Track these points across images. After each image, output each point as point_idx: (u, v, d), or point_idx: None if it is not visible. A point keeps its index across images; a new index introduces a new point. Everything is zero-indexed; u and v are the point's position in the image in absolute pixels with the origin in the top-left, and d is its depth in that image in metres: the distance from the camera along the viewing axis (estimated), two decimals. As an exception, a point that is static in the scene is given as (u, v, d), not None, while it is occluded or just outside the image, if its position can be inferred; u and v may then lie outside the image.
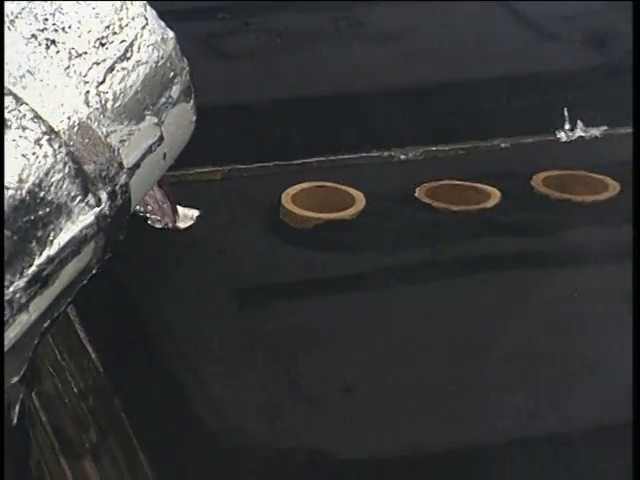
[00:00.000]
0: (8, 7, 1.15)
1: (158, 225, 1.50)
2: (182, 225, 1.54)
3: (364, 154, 1.73)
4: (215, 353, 1.37)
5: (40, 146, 1.09)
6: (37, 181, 1.09)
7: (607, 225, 1.56)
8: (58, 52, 1.14)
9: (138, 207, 1.40)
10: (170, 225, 1.52)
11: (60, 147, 1.10)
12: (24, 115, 1.09)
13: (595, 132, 1.77)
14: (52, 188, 1.10)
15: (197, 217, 1.54)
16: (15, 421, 1.26)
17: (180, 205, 1.54)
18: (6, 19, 1.14)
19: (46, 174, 1.09)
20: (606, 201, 1.59)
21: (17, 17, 1.14)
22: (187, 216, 1.54)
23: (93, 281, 1.32)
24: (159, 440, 1.38)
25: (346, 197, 1.56)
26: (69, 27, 1.14)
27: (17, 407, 1.24)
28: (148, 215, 1.48)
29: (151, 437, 1.40)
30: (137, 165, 1.19)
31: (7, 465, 1.61)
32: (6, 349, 1.13)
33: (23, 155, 1.08)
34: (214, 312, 1.42)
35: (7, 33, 1.13)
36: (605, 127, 1.78)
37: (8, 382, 1.19)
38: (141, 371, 1.43)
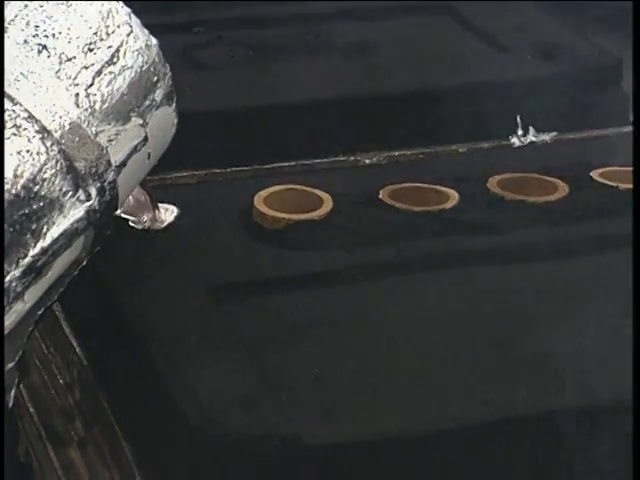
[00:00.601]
0: (6, 15, 1.16)
1: (139, 226, 1.49)
2: (161, 226, 1.53)
3: (331, 159, 1.73)
4: (193, 347, 1.36)
5: (34, 144, 1.10)
6: (31, 177, 1.10)
7: (557, 224, 1.55)
8: (49, 56, 1.15)
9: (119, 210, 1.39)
10: (150, 225, 1.51)
11: (52, 145, 1.11)
12: (18, 115, 1.10)
13: (545, 137, 1.77)
14: (45, 183, 1.11)
15: (175, 218, 1.53)
16: (11, 404, 1.26)
17: (159, 207, 1.53)
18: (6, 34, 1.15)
19: (39, 170, 1.10)
20: (556, 201, 1.58)
21: (10, 24, 1.15)
22: (165, 218, 1.53)
23: (78, 280, 1.32)
24: (141, 429, 1.37)
25: (315, 199, 1.56)
26: (59, 33, 1.15)
27: (13, 391, 1.24)
28: (129, 216, 1.47)
29: (133, 426, 1.39)
30: (124, 163, 1.20)
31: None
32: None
33: (18, 152, 1.10)
34: (192, 308, 1.42)
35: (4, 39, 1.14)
36: (555, 133, 1.78)
37: (5, 367, 1.19)
38: (123, 364, 1.42)
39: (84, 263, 1.23)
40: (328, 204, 1.54)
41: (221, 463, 1.25)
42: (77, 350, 1.51)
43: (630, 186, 1.59)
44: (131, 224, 1.50)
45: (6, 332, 1.13)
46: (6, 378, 1.20)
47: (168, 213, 1.54)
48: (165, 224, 1.53)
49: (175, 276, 1.46)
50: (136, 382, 1.39)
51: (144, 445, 1.37)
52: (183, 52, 1.82)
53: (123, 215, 1.47)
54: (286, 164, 1.70)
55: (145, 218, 1.51)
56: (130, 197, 1.43)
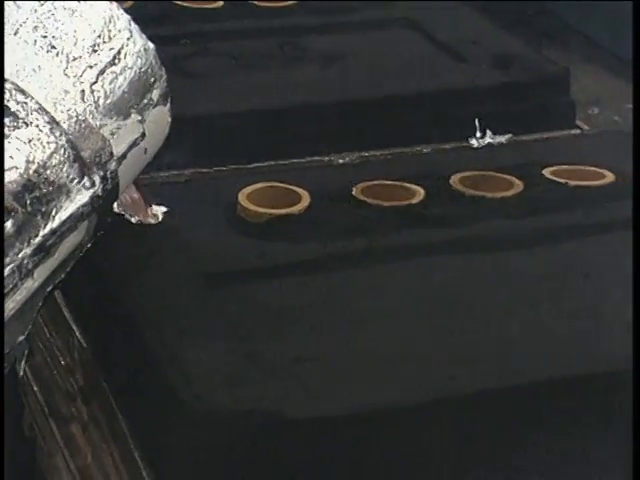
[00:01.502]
0: (13, 17, 1.16)
1: (133, 220, 1.48)
2: (153, 220, 1.52)
3: (308, 159, 1.72)
4: (184, 330, 1.35)
5: (44, 133, 1.10)
6: (42, 163, 1.10)
7: (513, 217, 1.55)
8: (57, 55, 1.15)
9: (116, 205, 1.38)
10: (143, 220, 1.50)
11: (60, 135, 1.12)
12: (31, 107, 1.10)
13: (501, 139, 1.77)
14: (54, 170, 1.11)
15: (165, 213, 1.52)
16: (21, 373, 1.27)
17: (151, 203, 1.52)
18: (11, 28, 1.15)
19: (49, 157, 1.11)
20: (512, 197, 1.58)
21: (21, 26, 1.15)
22: (157, 212, 1.52)
23: (78, 269, 1.31)
24: (136, 406, 1.36)
25: (294, 195, 1.55)
26: (66, 35, 1.15)
27: (23, 362, 1.25)
28: (125, 212, 1.46)
29: (129, 403, 1.38)
30: (124, 156, 1.20)
31: (2, 430, 1.60)
32: (14, 311, 1.13)
33: (30, 140, 1.10)
34: (182, 294, 1.41)
35: (13, 39, 1.14)
36: (509, 135, 1.77)
37: (15, 340, 1.19)
38: (120, 346, 1.41)
39: (86, 247, 1.23)
40: (306, 200, 1.54)
41: (209, 436, 1.25)
42: (77, 334, 1.50)
43: (578, 183, 1.60)
44: (126, 218, 1.49)
45: (17, 308, 1.13)
46: (17, 350, 1.20)
47: (159, 209, 1.53)
48: (157, 219, 1.52)
49: (166, 266, 1.46)
50: (131, 363, 1.38)
51: (140, 421, 1.36)
52: (172, 62, 1.81)
53: (119, 210, 1.46)
54: (267, 164, 1.69)
55: (139, 213, 1.50)
56: (125, 195, 1.42)
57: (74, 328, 1.51)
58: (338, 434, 1.25)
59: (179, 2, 1.99)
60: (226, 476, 1.24)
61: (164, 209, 1.53)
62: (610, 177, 1.61)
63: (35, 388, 1.59)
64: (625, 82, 2.27)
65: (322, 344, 1.34)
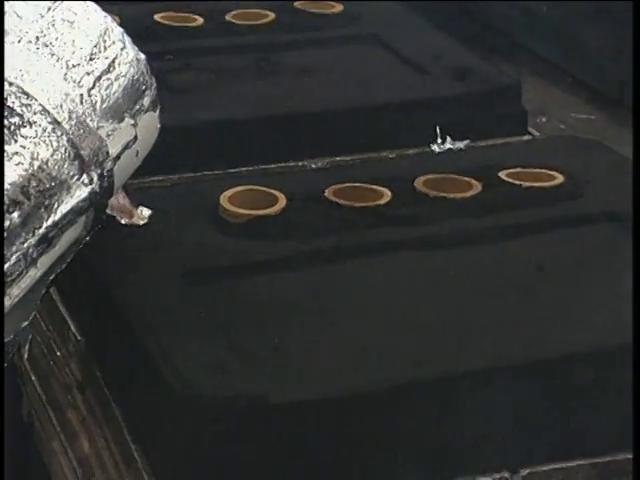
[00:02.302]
0: (17, 27, 1.16)
1: (123, 222, 1.47)
2: (141, 222, 1.50)
3: (284, 164, 1.71)
4: (172, 323, 1.34)
5: (47, 133, 1.10)
6: (45, 160, 1.10)
7: (473, 216, 1.54)
8: (58, 61, 1.15)
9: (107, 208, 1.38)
10: (132, 222, 1.49)
11: (62, 135, 1.12)
12: (34, 108, 1.10)
13: (460, 145, 1.76)
14: (56, 166, 1.11)
15: (152, 215, 1.51)
16: (26, 356, 1.28)
17: (139, 206, 1.51)
18: (15, 37, 1.14)
19: (52, 155, 1.10)
20: (471, 197, 1.57)
21: (24, 35, 1.14)
22: (145, 215, 1.51)
23: (72, 266, 1.30)
24: (128, 393, 1.36)
25: (271, 197, 1.54)
26: (65, 44, 1.15)
27: (27, 346, 1.26)
28: (115, 214, 1.45)
29: (122, 391, 1.37)
30: (118, 157, 1.19)
31: (2, 416, 1.59)
32: (19, 298, 1.13)
33: (33, 138, 1.10)
34: (169, 290, 1.40)
35: (17, 46, 1.14)
36: (467, 141, 1.76)
37: (20, 325, 1.19)
38: (112, 338, 1.40)
39: (83, 242, 1.22)
40: (282, 202, 1.53)
41: (196, 420, 1.24)
42: (72, 327, 1.49)
43: (531, 184, 1.60)
44: (116, 220, 1.48)
45: (22, 295, 1.13)
46: (21, 334, 1.19)
47: (146, 211, 1.52)
48: (144, 220, 1.51)
49: (154, 262, 1.45)
50: (123, 353, 1.37)
51: (131, 407, 1.35)
52: (157, 76, 1.80)
53: (110, 212, 1.45)
54: (246, 169, 1.68)
55: (127, 216, 1.49)
56: (115, 198, 1.41)
57: (69, 322, 1.50)
58: (316, 416, 1.24)
59: (162, 21, 1.98)
60: (213, 457, 1.23)
61: (150, 211, 1.52)
62: (560, 178, 1.61)
63: (33, 378, 1.58)
64: (568, 93, 2.28)
65: (299, 335, 1.33)
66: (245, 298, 1.39)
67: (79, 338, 1.48)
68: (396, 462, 1.25)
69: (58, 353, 1.53)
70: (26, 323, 1.19)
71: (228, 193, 1.54)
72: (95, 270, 1.44)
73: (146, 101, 1.20)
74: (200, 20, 2.00)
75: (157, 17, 1.98)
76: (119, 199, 1.46)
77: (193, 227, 1.51)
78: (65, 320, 1.51)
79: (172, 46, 1.92)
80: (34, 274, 1.13)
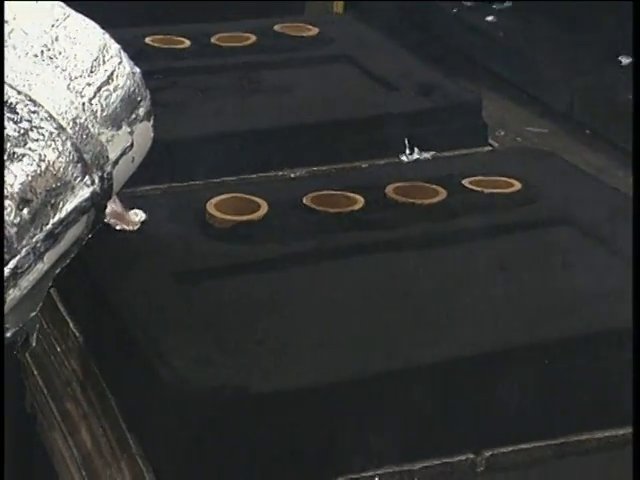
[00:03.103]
0: (24, 42, 1.16)
1: (117, 227, 1.46)
2: (133, 227, 1.49)
3: (265, 173, 1.70)
4: (162, 320, 1.34)
5: (52, 138, 1.11)
6: (52, 162, 1.10)
7: (439, 220, 1.54)
8: (62, 72, 1.15)
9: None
10: (125, 227, 1.48)
11: (66, 139, 1.12)
12: (41, 115, 1.11)
13: (427, 155, 1.76)
14: (61, 168, 1.11)
15: (144, 221, 1.50)
16: (34, 344, 1.26)
17: (130, 212, 1.50)
18: (22, 51, 1.15)
19: (57, 158, 1.11)
20: (437, 203, 1.57)
21: (30, 49, 1.14)
22: (137, 220, 1.50)
23: (71, 269, 1.29)
24: (123, 384, 1.35)
25: (254, 204, 1.53)
26: (67, 58, 1.15)
27: (35, 334, 1.24)
28: (110, 220, 1.44)
29: (117, 384, 1.37)
30: (117, 161, 1.19)
31: (8, 406, 1.58)
32: (27, 290, 1.13)
33: (40, 140, 1.10)
34: (160, 290, 1.39)
35: (24, 59, 1.14)
36: (433, 152, 1.76)
37: (28, 315, 1.18)
38: (108, 335, 1.39)
39: (85, 241, 1.22)
40: (264, 208, 1.52)
41: (186, 409, 1.23)
42: (71, 325, 1.48)
43: (492, 190, 1.60)
44: (111, 225, 1.46)
45: (30, 287, 1.13)
46: (29, 324, 1.19)
47: (138, 217, 1.51)
48: (137, 226, 1.50)
49: (146, 265, 1.44)
50: (118, 349, 1.37)
51: (126, 397, 1.34)
52: (147, 93, 1.81)
53: (105, 219, 1.44)
54: (231, 178, 1.67)
55: (121, 221, 1.48)
56: (109, 205, 1.40)
57: (68, 321, 1.49)
58: (294, 404, 1.24)
59: (152, 43, 1.97)
60: (200, 443, 1.22)
61: (143, 217, 1.51)
62: (517, 185, 1.61)
63: (35, 372, 1.56)
64: (524, 109, 2.29)
65: (280, 330, 1.33)
66: (231, 297, 1.39)
67: (78, 335, 1.47)
68: (370, 446, 1.25)
69: (58, 349, 1.52)
70: (33, 314, 1.18)
71: (214, 200, 1.53)
72: (92, 272, 1.42)
73: (141, 111, 1.20)
74: (187, 42, 1.99)
75: (148, 40, 1.97)
76: (113, 206, 1.45)
77: (182, 232, 1.50)
78: (65, 319, 1.50)
79: (161, 66, 1.90)
80: (41, 268, 1.12)
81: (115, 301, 1.38)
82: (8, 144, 1.08)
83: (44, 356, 1.55)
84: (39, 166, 1.09)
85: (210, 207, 1.52)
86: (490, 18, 2.50)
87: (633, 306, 1.13)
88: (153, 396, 1.27)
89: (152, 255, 1.45)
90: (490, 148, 1.86)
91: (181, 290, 1.39)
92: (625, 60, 2.23)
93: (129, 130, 1.18)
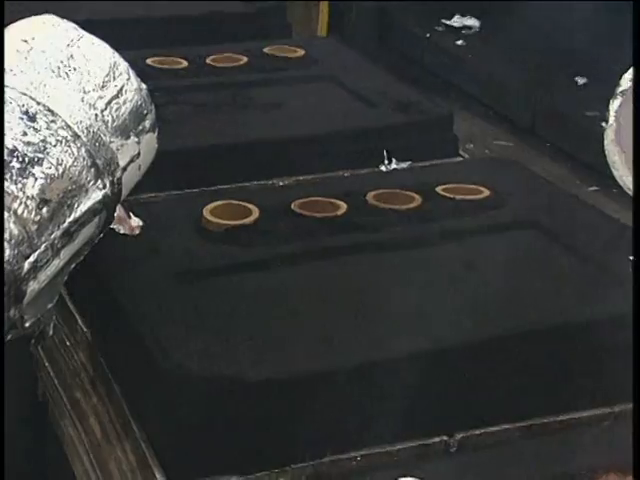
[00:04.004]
0: (42, 58, 1.16)
1: (121, 231, 1.44)
2: (136, 231, 1.47)
3: (256, 182, 1.69)
4: (163, 316, 1.32)
5: (68, 145, 1.11)
6: (68, 166, 1.10)
7: (415, 224, 1.54)
8: (77, 86, 1.15)
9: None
10: (128, 232, 1.46)
11: (81, 146, 1.12)
12: (59, 124, 1.11)
13: (404, 165, 1.75)
14: (77, 172, 1.11)
15: (146, 226, 1.48)
16: (51, 333, 1.25)
17: (133, 218, 1.48)
18: (40, 67, 1.15)
19: (73, 162, 1.11)
20: (414, 208, 1.56)
21: (48, 65, 1.15)
22: (139, 225, 1.48)
23: (78, 269, 1.27)
24: (127, 374, 1.34)
25: (246, 210, 1.52)
26: (81, 74, 1.16)
27: (52, 324, 1.23)
28: (114, 225, 1.43)
29: (121, 373, 1.36)
30: (125, 168, 1.18)
31: (22, 395, 1.57)
32: (45, 283, 1.12)
33: (57, 147, 1.10)
34: (161, 288, 1.38)
35: (42, 74, 1.14)
36: (409, 162, 1.75)
37: (45, 308, 1.18)
38: (113, 330, 1.38)
39: (96, 240, 1.21)
40: (256, 213, 1.51)
41: (185, 396, 1.22)
42: (79, 321, 1.47)
43: (463, 197, 1.59)
44: (115, 230, 1.45)
45: (47, 281, 1.12)
46: (46, 315, 1.19)
47: (140, 222, 1.49)
48: (139, 230, 1.48)
49: (148, 265, 1.43)
50: (123, 342, 1.35)
51: (130, 386, 1.33)
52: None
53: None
54: (225, 186, 1.65)
55: (124, 226, 1.46)
56: (116, 215, 1.39)
57: (77, 317, 1.48)
58: (284, 393, 1.23)
59: (153, 64, 1.96)
60: (198, 427, 1.21)
61: (141, 223, 1.49)
62: (486, 192, 1.60)
63: (47, 364, 1.55)
64: (491, 124, 2.28)
65: (271, 325, 1.32)
66: (226, 294, 1.38)
67: (85, 330, 1.46)
68: (352, 429, 1.24)
69: (67, 343, 1.51)
70: (50, 305, 1.18)
71: (209, 207, 1.52)
72: (98, 272, 1.41)
73: (147, 123, 1.20)
74: (184, 63, 1.98)
75: (149, 61, 1.96)
76: (117, 212, 1.44)
77: (180, 235, 1.49)
78: (73, 315, 1.49)
79: (161, 84, 1.89)
80: (57, 263, 1.12)
81: (120, 299, 1.37)
82: (30, 149, 1.08)
83: (55, 349, 1.54)
84: (57, 170, 1.09)
85: (206, 212, 1.51)
86: (460, 42, 2.50)
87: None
88: (154, 385, 1.26)
89: (154, 256, 1.44)
90: (461, 159, 1.85)
91: (180, 288, 1.38)
92: (581, 80, 2.23)
93: (136, 140, 1.18)
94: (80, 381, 1.46)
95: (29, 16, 1.21)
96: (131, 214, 1.47)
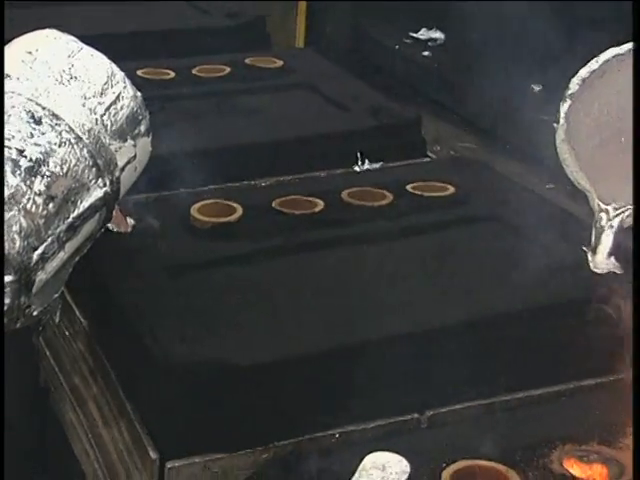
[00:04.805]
0: (47, 68, 1.16)
1: (115, 229, 1.43)
2: (129, 229, 1.47)
3: (239, 183, 1.67)
4: (155, 305, 1.32)
5: (72, 146, 1.12)
6: (72, 165, 1.11)
7: (386, 219, 1.53)
8: (78, 93, 1.15)
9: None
10: (121, 229, 1.46)
11: (83, 147, 1.13)
12: (63, 127, 1.12)
13: (376, 165, 1.74)
14: (79, 171, 1.12)
15: (138, 224, 1.47)
16: (57, 320, 1.25)
17: (126, 217, 1.47)
18: (44, 76, 1.15)
19: (76, 163, 1.12)
20: (385, 205, 1.56)
21: (51, 74, 1.15)
22: (132, 223, 1.47)
23: (77, 265, 1.26)
24: (122, 361, 1.33)
25: (231, 208, 1.52)
26: (82, 82, 1.16)
27: (58, 312, 1.22)
28: (109, 225, 1.42)
29: (117, 361, 1.35)
30: (123, 169, 1.18)
31: (24, 383, 1.56)
32: (51, 275, 1.13)
33: (62, 148, 1.11)
34: (152, 280, 1.38)
35: (46, 81, 1.15)
36: (381, 162, 1.74)
37: (52, 297, 1.18)
38: (109, 320, 1.37)
39: (96, 236, 1.20)
40: (239, 211, 1.51)
41: (175, 380, 1.22)
42: (77, 312, 1.46)
43: (430, 194, 1.59)
44: (110, 229, 1.44)
45: (53, 272, 1.13)
46: (52, 304, 1.18)
47: (133, 222, 1.48)
48: (131, 228, 1.47)
49: (140, 260, 1.42)
50: (117, 332, 1.35)
51: (125, 372, 1.32)
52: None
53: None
54: (211, 187, 1.63)
55: (118, 225, 1.45)
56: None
57: (74, 308, 1.47)
58: (267, 375, 1.22)
59: (143, 75, 1.94)
60: (187, 410, 1.21)
61: (133, 222, 1.48)
62: (452, 189, 1.60)
63: (47, 353, 1.54)
64: (456, 128, 2.28)
65: (254, 314, 1.31)
66: (212, 286, 1.37)
67: (83, 321, 1.45)
68: (332, 409, 1.24)
69: (67, 333, 1.49)
70: (56, 295, 1.18)
71: (197, 206, 1.52)
72: (94, 267, 1.39)
73: (142, 128, 1.20)
74: (172, 74, 1.96)
75: (139, 72, 1.94)
76: (114, 213, 1.43)
77: (170, 232, 1.49)
78: (72, 307, 1.47)
79: (150, 93, 1.87)
80: (62, 256, 1.12)
81: (114, 292, 1.36)
82: (37, 149, 1.09)
83: (55, 339, 1.52)
84: (62, 168, 1.10)
85: (194, 211, 1.50)
86: (426, 53, 2.51)
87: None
88: (147, 370, 1.25)
89: (145, 252, 1.43)
90: (428, 159, 1.85)
91: (170, 281, 1.37)
92: (536, 88, 2.25)
93: (133, 143, 1.18)
94: (78, 368, 1.45)
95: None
96: (124, 214, 1.47)
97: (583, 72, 1.29)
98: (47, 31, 1.19)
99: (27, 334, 1.54)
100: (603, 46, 1.26)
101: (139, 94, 1.21)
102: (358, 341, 1.26)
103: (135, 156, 1.19)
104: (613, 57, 1.27)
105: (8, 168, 1.06)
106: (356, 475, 1.10)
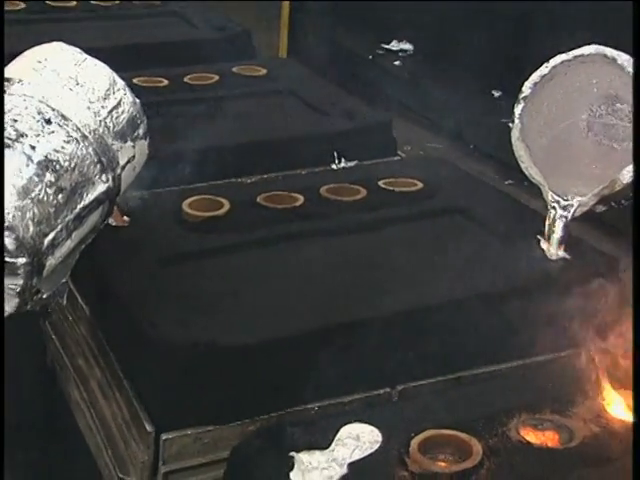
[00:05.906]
0: (54, 75, 1.16)
1: (113, 224, 1.42)
2: (126, 223, 1.46)
3: (227, 180, 1.66)
4: (150, 292, 1.31)
5: (78, 143, 1.13)
6: (78, 162, 1.12)
7: (361, 213, 1.52)
8: (83, 97, 1.16)
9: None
10: (119, 223, 1.44)
11: (89, 145, 1.13)
12: (70, 127, 1.13)
13: (351, 164, 1.73)
14: (85, 167, 1.13)
15: (134, 218, 1.46)
16: (64, 303, 1.23)
17: (123, 213, 1.46)
18: (53, 82, 1.16)
19: (82, 159, 1.13)
20: (360, 200, 1.55)
21: (60, 80, 1.16)
22: (127, 218, 1.46)
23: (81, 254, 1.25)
24: (121, 344, 1.32)
25: (219, 203, 1.50)
26: (87, 88, 1.17)
27: (65, 295, 1.21)
28: (110, 219, 1.40)
29: (116, 342, 1.34)
30: (123, 167, 1.19)
31: (34, 363, 1.54)
32: (59, 261, 1.13)
33: (70, 144, 1.12)
34: (147, 270, 1.36)
35: (55, 86, 1.16)
36: (356, 161, 1.73)
37: (60, 281, 1.18)
38: (109, 306, 1.36)
39: (99, 229, 1.20)
40: (227, 206, 1.50)
41: (168, 360, 1.21)
42: (79, 299, 1.45)
43: (401, 189, 1.59)
44: (109, 222, 1.42)
45: (61, 259, 1.13)
46: (60, 288, 1.19)
47: (127, 218, 1.47)
48: (127, 222, 1.46)
49: (136, 251, 1.40)
50: (116, 316, 1.33)
51: (123, 353, 1.32)
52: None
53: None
54: (200, 184, 1.61)
55: (115, 219, 1.44)
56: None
57: (77, 295, 1.45)
58: (254, 355, 1.22)
59: (139, 83, 1.92)
60: (179, 387, 1.20)
61: (131, 216, 1.46)
62: (420, 185, 1.60)
63: (53, 336, 1.53)
64: (424, 130, 2.28)
65: (242, 299, 1.30)
66: (202, 275, 1.36)
67: (85, 307, 1.43)
68: (311, 384, 1.23)
69: (70, 318, 1.48)
70: (64, 280, 1.19)
71: (188, 201, 1.50)
72: (94, 257, 1.37)
73: (141, 131, 1.21)
74: (166, 82, 1.95)
75: (135, 80, 1.92)
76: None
77: (163, 226, 1.47)
78: (75, 294, 1.45)
79: (146, 99, 1.85)
80: (69, 244, 1.13)
81: (113, 280, 1.35)
82: (49, 145, 1.10)
83: (60, 323, 1.51)
84: (70, 163, 1.11)
85: (185, 206, 1.49)
86: (397, 62, 2.51)
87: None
88: (143, 350, 1.24)
89: (141, 244, 1.42)
90: (399, 158, 1.84)
91: (164, 271, 1.36)
92: (496, 93, 2.25)
93: (132, 145, 1.19)
94: (82, 350, 1.44)
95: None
96: (121, 212, 1.45)
97: (535, 76, 1.29)
98: (55, 44, 1.20)
99: (35, 319, 1.53)
100: (556, 51, 1.26)
101: (138, 100, 1.21)
102: (336, 323, 1.26)
103: (134, 157, 1.19)
104: (561, 62, 1.27)
105: (22, 161, 1.07)
106: (333, 444, 1.10)
